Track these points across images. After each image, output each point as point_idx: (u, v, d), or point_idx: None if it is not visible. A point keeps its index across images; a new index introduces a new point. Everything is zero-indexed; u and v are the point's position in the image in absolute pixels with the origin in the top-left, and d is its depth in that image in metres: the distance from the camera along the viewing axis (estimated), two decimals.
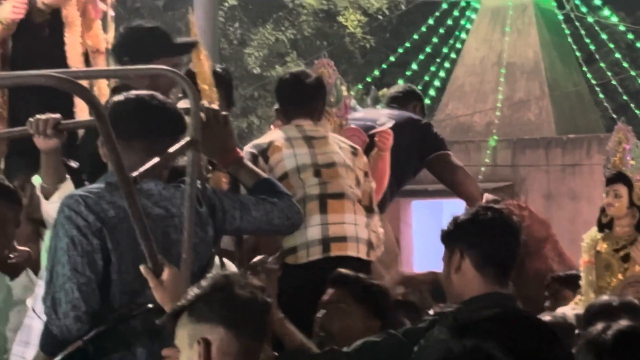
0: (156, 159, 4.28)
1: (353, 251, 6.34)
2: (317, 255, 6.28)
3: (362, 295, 5.23)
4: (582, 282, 8.98)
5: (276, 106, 6.83)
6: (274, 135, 6.58)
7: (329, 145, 6.52)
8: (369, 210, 6.57)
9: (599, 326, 3.26)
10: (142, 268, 4.21)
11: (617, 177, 9.16)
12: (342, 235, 6.32)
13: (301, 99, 6.68)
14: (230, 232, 4.89)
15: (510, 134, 19.66)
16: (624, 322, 3.33)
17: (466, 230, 4.58)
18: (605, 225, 9.14)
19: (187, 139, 4.44)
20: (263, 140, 6.55)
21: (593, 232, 9.24)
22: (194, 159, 4.43)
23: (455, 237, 4.60)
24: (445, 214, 19.18)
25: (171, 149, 4.39)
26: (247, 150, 6.43)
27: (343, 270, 5.42)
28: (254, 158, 6.31)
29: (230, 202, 4.81)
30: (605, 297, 5.91)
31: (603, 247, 9.07)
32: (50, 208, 5.53)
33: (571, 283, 8.94)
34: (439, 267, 4.81)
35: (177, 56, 6.23)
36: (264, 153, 6.40)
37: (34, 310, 5.38)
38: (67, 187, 5.52)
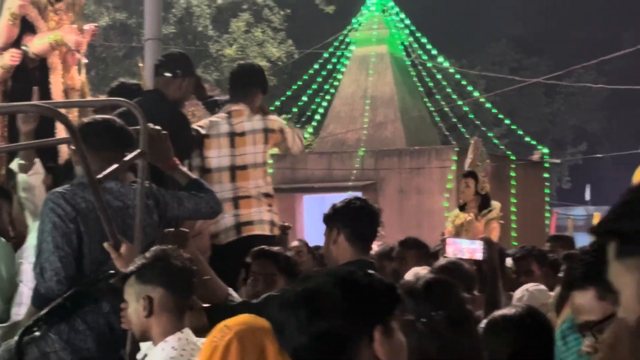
0: (115, 165, 4.26)
1: (259, 231, 6.38)
2: (233, 237, 6.31)
3: (283, 265, 5.18)
4: None
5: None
6: (212, 129, 6.47)
7: (246, 144, 6.47)
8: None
9: (413, 277, 3.30)
10: (105, 245, 4.19)
11: (468, 173, 10.01)
12: (249, 220, 6.36)
13: (236, 85, 6.64)
14: (171, 218, 4.87)
15: (373, 146, 19.76)
16: (429, 275, 3.38)
17: (342, 214, 4.61)
18: (461, 206, 9.65)
19: (138, 150, 4.41)
20: (203, 130, 6.46)
21: (456, 211, 9.79)
22: (143, 165, 4.41)
23: (334, 218, 4.63)
24: (329, 206, 19.38)
25: (126, 158, 4.36)
26: (197, 126, 6.47)
27: (265, 247, 5.37)
28: (200, 137, 6.37)
29: (170, 196, 4.80)
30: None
31: (457, 221, 9.50)
32: (30, 179, 5.52)
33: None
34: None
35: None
36: (202, 141, 6.40)
37: (21, 280, 5.33)
38: (37, 165, 5.56)
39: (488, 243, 5.13)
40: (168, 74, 6.22)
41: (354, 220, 4.59)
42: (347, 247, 4.55)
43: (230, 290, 4.89)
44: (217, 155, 6.40)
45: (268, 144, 6.57)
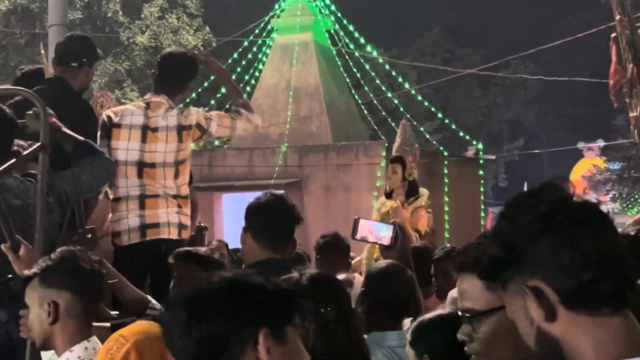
0: (12, 160, 4.19)
1: (165, 234, 6.31)
2: (136, 239, 6.24)
3: (207, 265, 5.14)
4: None
5: None
6: (125, 118, 6.38)
7: (157, 141, 6.38)
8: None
9: (296, 274, 3.33)
10: (2, 246, 4.12)
11: (396, 159, 10.03)
12: (156, 222, 6.28)
13: (164, 75, 6.54)
14: (75, 203, 4.80)
15: (297, 141, 19.77)
16: (312, 271, 3.43)
17: (249, 211, 4.65)
18: (388, 194, 9.75)
19: (39, 144, 4.35)
20: (115, 118, 6.37)
21: (382, 198, 9.87)
22: (44, 160, 4.33)
23: (246, 216, 4.67)
24: None
25: (25, 152, 4.30)
26: (109, 113, 6.39)
27: (190, 249, 5.34)
28: (109, 125, 6.29)
29: (67, 184, 4.71)
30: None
31: (383, 209, 9.57)
32: None
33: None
34: None
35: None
36: (110, 128, 6.31)
37: None
38: None
39: (400, 228, 5.13)
40: (74, 64, 6.19)
41: (260, 217, 4.60)
42: (254, 246, 4.56)
43: (151, 299, 4.84)
44: (125, 147, 6.32)
45: (182, 142, 6.47)
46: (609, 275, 1.84)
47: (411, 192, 9.79)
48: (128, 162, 6.29)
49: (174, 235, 6.33)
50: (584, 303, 1.83)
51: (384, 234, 5.09)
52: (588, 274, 1.82)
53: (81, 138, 4.92)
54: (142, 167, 6.34)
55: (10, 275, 4.16)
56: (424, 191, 10.11)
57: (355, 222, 5.22)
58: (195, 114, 6.53)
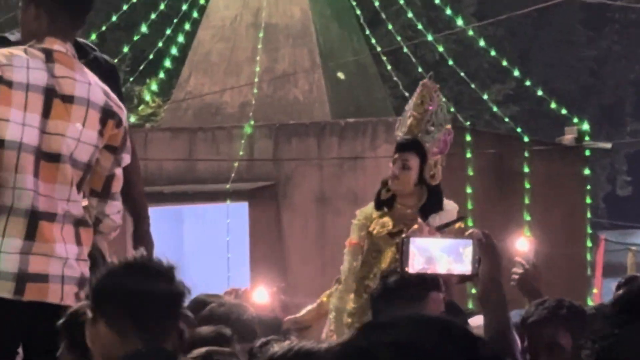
0: None
1: (55, 297, 6.23)
2: (7, 294, 6.17)
3: None
4: (343, 268, 9.03)
5: None
6: (17, 72, 6.26)
7: (70, 118, 6.29)
8: (100, 195, 6.47)
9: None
10: None
11: (410, 144, 9.22)
12: (44, 274, 6.20)
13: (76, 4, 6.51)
14: None
15: (272, 118, 19.81)
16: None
17: (98, 289, 5.00)
18: (384, 202, 9.10)
19: None
20: (4, 69, 6.26)
21: (369, 208, 9.20)
22: None
23: None
24: (189, 224, 19.08)
25: None
26: None
27: None
28: None
29: None
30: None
31: (376, 228, 9.06)
32: None
33: None
34: None
35: None
36: None
37: None
38: None
39: (480, 243, 5.05)
40: None
41: (121, 294, 4.93)
42: (113, 340, 4.89)
43: None
44: (20, 120, 6.25)
45: (104, 135, 6.43)
46: None
47: (432, 205, 9.11)
48: (23, 146, 6.23)
49: (69, 300, 6.26)
50: None
51: (461, 258, 4.99)
52: None
53: None
54: (40, 159, 6.28)
55: None
56: (452, 205, 9.45)
57: (405, 245, 5.04)
58: (124, 113, 6.54)
